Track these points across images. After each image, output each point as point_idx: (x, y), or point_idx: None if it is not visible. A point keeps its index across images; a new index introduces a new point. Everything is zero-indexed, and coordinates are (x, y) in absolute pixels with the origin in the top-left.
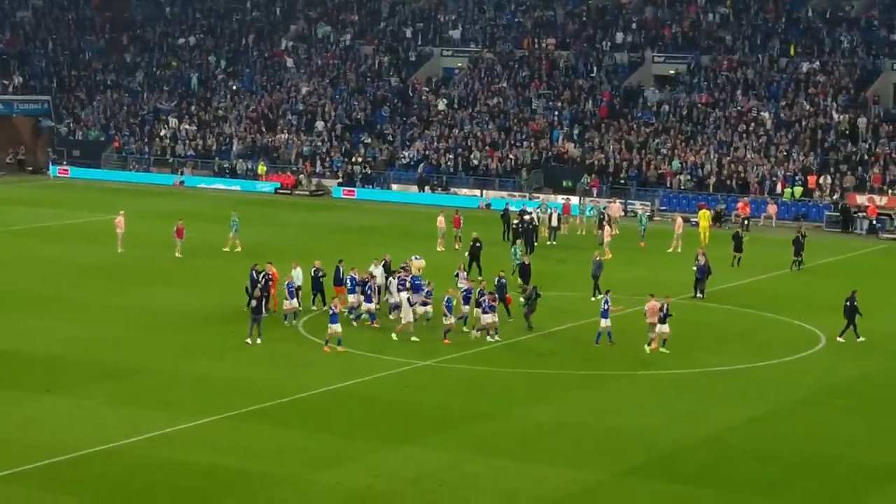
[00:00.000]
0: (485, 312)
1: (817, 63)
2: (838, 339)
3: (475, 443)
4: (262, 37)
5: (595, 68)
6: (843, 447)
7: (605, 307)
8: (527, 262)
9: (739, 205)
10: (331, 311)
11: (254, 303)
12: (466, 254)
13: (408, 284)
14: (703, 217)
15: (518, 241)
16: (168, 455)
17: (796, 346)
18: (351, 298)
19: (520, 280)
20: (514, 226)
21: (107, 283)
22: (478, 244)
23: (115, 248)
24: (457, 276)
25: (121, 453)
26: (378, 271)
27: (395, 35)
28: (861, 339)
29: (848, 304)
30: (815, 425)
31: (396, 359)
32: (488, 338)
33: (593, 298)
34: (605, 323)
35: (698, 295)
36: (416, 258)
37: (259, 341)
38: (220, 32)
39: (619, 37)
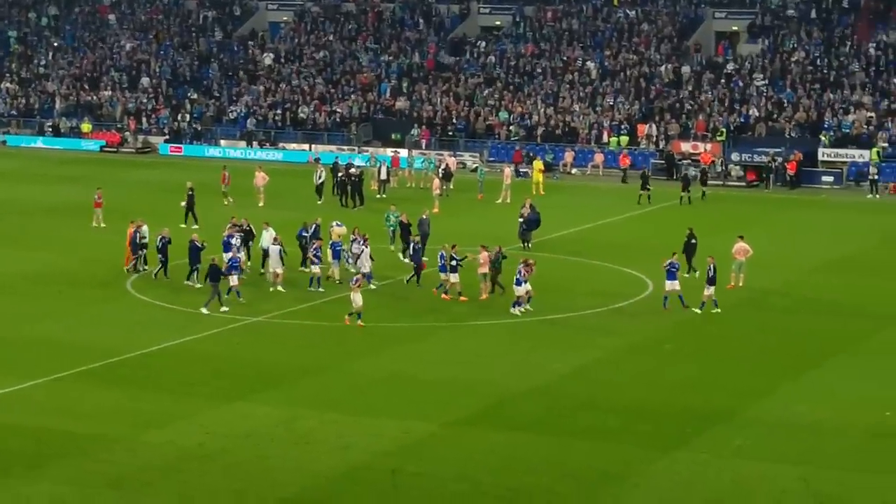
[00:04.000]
0: (517, 284)
1: (640, 12)
2: (685, 274)
3: (308, 397)
4: None
5: (421, 21)
6: (672, 392)
7: (674, 269)
8: (405, 221)
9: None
10: (352, 284)
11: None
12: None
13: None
14: (536, 168)
15: (392, 207)
16: None
17: (624, 292)
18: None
19: (403, 244)
20: (338, 179)
21: None
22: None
23: None
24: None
25: None
26: (267, 235)
27: None
28: (696, 273)
29: (688, 241)
30: (645, 371)
31: (227, 315)
32: (519, 309)
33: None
34: (672, 286)
35: (526, 246)
36: (337, 224)
37: (225, 309)
38: None
39: None
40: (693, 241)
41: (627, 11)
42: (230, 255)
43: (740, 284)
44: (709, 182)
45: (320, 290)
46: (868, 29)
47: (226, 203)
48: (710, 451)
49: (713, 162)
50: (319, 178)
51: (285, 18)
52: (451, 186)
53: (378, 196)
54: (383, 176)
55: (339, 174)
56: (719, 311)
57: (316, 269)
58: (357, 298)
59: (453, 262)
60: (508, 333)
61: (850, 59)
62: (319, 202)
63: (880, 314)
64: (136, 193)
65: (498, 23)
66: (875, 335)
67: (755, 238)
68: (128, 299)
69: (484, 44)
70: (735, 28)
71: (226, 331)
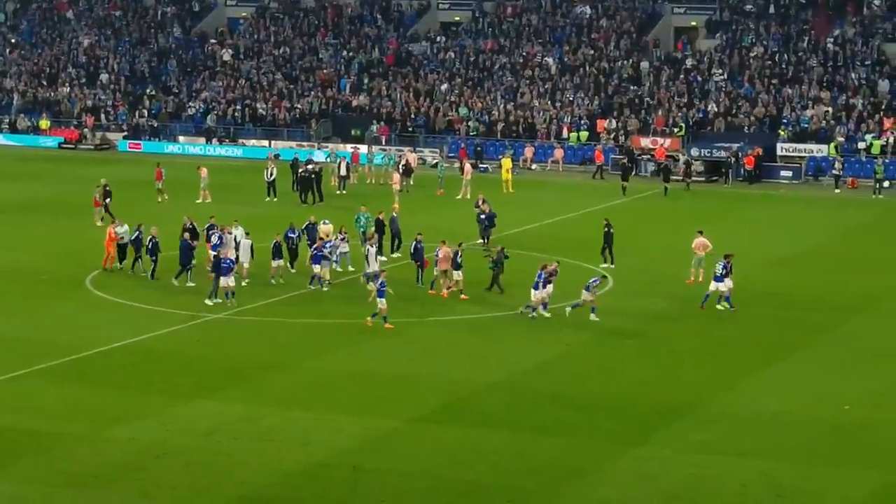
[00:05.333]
0: (535, 288)
1: (599, 8)
2: (602, 265)
3: (269, 395)
4: None
5: (381, 16)
6: (635, 387)
7: (723, 272)
8: (381, 219)
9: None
10: (378, 287)
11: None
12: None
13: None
14: (506, 165)
15: (363, 208)
16: None
17: None
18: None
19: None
20: (297, 176)
21: None
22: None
23: None
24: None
25: None
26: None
27: None
28: (611, 265)
29: (606, 231)
30: (606, 366)
31: (187, 312)
32: (534, 313)
33: (392, 255)
34: (719, 286)
35: (485, 243)
36: (324, 223)
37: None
38: None
39: None
40: (609, 230)
41: (586, 7)
42: (215, 253)
43: (700, 280)
44: (671, 178)
45: (324, 288)
46: (826, 24)
47: (160, 200)
48: (672, 446)
49: (674, 157)
50: (271, 175)
51: (244, 14)
52: (412, 182)
53: (338, 192)
54: (343, 172)
55: (299, 170)
56: (724, 308)
57: (317, 268)
58: (381, 300)
59: (458, 259)
60: (470, 329)
61: (808, 54)
62: (267, 199)
63: (840, 308)
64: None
65: (457, 18)
66: (835, 329)
67: (715, 233)
68: (88, 297)
69: (444, 39)
70: (694, 23)
71: (187, 327)
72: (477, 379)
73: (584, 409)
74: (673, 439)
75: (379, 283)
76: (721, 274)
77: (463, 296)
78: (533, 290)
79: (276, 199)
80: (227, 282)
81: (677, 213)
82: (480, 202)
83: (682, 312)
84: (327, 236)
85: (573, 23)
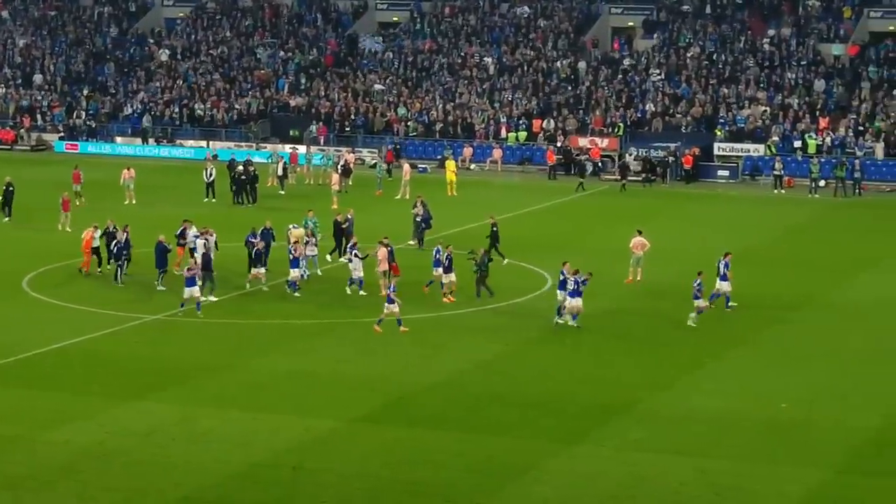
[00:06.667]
0: (572, 296)
1: (538, 8)
2: (504, 261)
3: (208, 395)
4: None
5: (319, 16)
6: (573, 386)
7: (724, 271)
8: (339, 219)
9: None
10: (389, 292)
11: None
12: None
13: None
14: (450, 167)
15: (310, 212)
16: None
17: (524, 287)
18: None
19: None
20: (233, 176)
21: None
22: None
23: None
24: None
25: None
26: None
27: None
28: (506, 260)
29: (491, 230)
30: (546, 365)
31: (126, 314)
32: (563, 321)
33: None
34: (724, 286)
35: (413, 243)
36: (293, 227)
37: (212, 298)
38: None
39: None
40: (495, 229)
41: (524, 7)
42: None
43: (638, 279)
44: (604, 177)
45: (296, 294)
46: (762, 24)
47: (77, 203)
48: (610, 445)
49: (612, 158)
50: (210, 175)
51: (181, 14)
52: (350, 183)
53: (280, 192)
54: (280, 172)
55: (234, 171)
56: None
57: (295, 272)
58: (393, 305)
59: (448, 260)
60: (411, 330)
61: (744, 54)
62: (206, 200)
63: (777, 307)
64: (32, 191)
65: (395, 18)
66: (772, 327)
67: (653, 232)
68: (24, 298)
69: (381, 39)
70: (631, 23)
71: (124, 329)
72: (417, 379)
73: (523, 408)
74: (611, 438)
75: (391, 288)
76: (725, 273)
77: (451, 297)
78: (570, 298)
79: (214, 200)
80: (193, 292)
81: (616, 212)
82: (417, 203)
83: (621, 312)
84: (298, 240)
85: (511, 23)
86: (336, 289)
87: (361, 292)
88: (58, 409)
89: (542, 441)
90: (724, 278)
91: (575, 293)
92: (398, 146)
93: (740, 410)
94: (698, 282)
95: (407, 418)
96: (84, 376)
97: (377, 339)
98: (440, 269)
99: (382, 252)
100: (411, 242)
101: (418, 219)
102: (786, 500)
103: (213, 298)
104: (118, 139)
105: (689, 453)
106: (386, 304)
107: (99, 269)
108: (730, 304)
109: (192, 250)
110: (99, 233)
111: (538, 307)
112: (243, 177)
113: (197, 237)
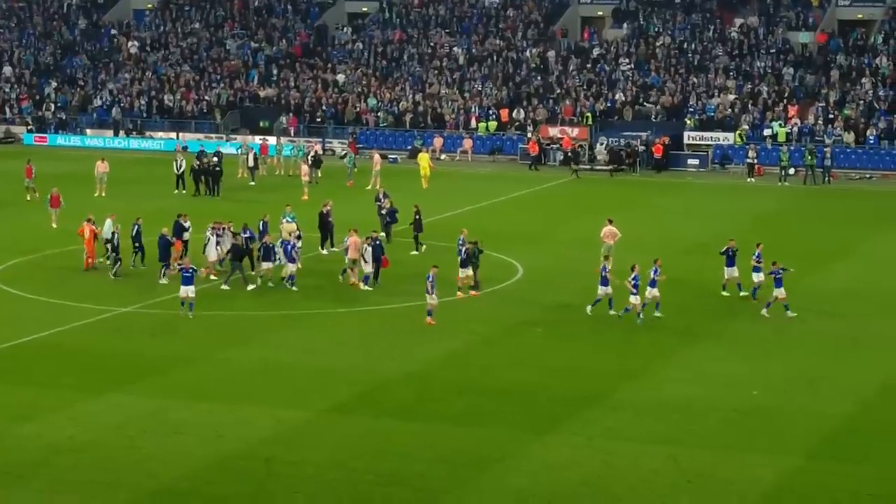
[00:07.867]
0: (652, 285)
1: None
2: (413, 252)
3: (179, 388)
4: None
5: (289, 7)
6: (545, 375)
7: (758, 261)
8: (325, 211)
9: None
10: (429, 282)
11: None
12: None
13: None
14: (424, 160)
15: (288, 208)
16: None
17: (495, 277)
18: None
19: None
20: (195, 167)
21: None
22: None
23: None
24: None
25: None
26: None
27: None
28: (423, 248)
29: (415, 218)
30: (517, 355)
31: (97, 306)
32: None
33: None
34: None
35: (389, 240)
36: (287, 221)
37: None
38: None
39: None
40: (418, 217)
41: None
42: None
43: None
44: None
45: (294, 288)
46: (730, 13)
47: (28, 199)
48: (582, 434)
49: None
50: (180, 167)
51: (150, 6)
52: (320, 174)
53: (250, 184)
54: (251, 163)
55: (196, 164)
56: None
57: (292, 267)
58: (431, 298)
59: (465, 255)
60: (380, 320)
61: (713, 43)
62: (176, 192)
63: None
64: (1, 184)
65: (365, 9)
66: (743, 316)
67: (623, 221)
68: None
69: (351, 30)
70: (600, 13)
71: (95, 322)
72: (388, 369)
73: (494, 398)
74: (583, 427)
75: (429, 278)
76: (758, 265)
77: (461, 293)
78: (650, 287)
79: (184, 192)
80: (188, 292)
81: (587, 201)
82: (381, 196)
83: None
84: (291, 235)
85: (481, 13)
86: (311, 281)
87: (366, 287)
88: (28, 403)
89: (515, 430)
90: (757, 270)
91: (653, 283)
92: (354, 134)
93: (712, 398)
94: (634, 276)
95: (380, 409)
96: (54, 370)
97: (350, 331)
98: (469, 270)
99: (353, 241)
100: (381, 235)
101: (383, 212)
102: (758, 487)
103: (250, 287)
104: (88, 131)
105: (661, 441)
106: (427, 296)
107: (100, 261)
108: (753, 294)
109: (187, 243)
110: (104, 227)
111: (510, 297)
112: (198, 167)
113: (214, 232)
